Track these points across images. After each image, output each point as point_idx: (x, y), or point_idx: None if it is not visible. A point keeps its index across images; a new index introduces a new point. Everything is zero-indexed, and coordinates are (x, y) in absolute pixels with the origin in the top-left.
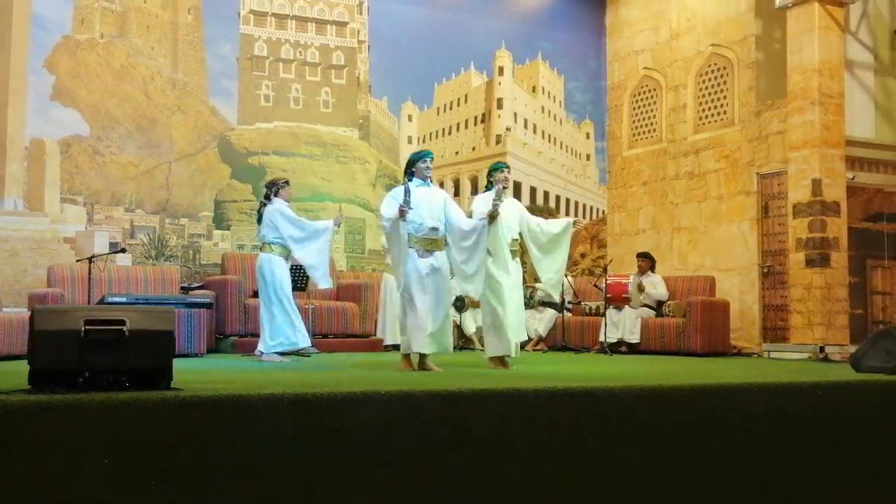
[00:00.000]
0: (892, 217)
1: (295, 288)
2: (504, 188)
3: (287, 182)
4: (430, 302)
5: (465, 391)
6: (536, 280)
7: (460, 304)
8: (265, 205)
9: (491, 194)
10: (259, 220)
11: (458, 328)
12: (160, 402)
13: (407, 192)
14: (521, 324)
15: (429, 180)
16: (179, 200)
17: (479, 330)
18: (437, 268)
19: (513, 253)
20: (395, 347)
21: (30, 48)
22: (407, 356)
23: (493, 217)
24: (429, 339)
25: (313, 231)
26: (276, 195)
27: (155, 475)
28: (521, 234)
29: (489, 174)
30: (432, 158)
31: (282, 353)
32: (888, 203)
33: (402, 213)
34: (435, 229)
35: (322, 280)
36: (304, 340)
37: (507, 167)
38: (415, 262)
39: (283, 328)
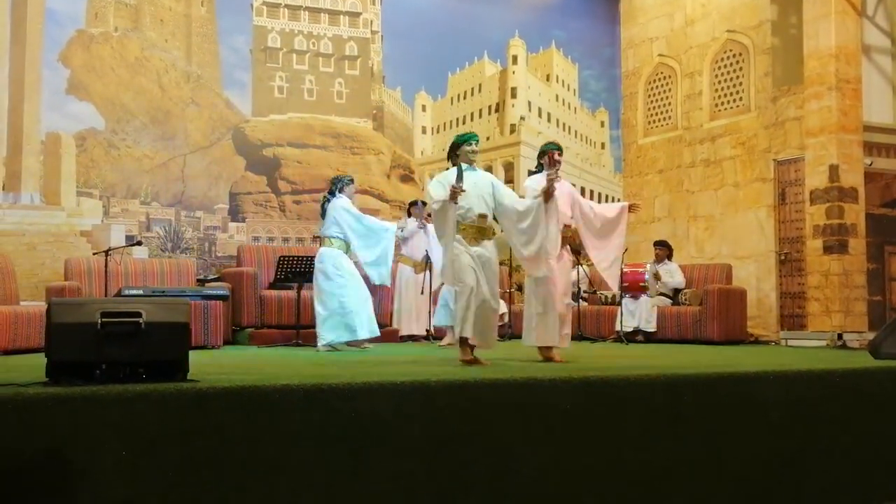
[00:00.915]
0: None
1: (309, 279)
2: (557, 167)
3: (352, 180)
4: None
5: (479, 380)
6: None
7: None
8: (328, 200)
9: (543, 176)
10: (322, 215)
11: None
12: (177, 393)
13: (460, 173)
14: (567, 312)
15: (474, 164)
16: (195, 193)
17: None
18: (488, 258)
19: (562, 239)
20: (411, 338)
21: (44, 43)
22: (464, 345)
23: (549, 194)
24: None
25: (376, 229)
26: (340, 192)
27: (172, 466)
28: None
29: (539, 155)
30: (478, 141)
31: (335, 346)
32: None
33: (454, 195)
34: (483, 216)
35: (378, 277)
36: (359, 333)
37: (559, 148)
38: (464, 249)
39: (344, 311)
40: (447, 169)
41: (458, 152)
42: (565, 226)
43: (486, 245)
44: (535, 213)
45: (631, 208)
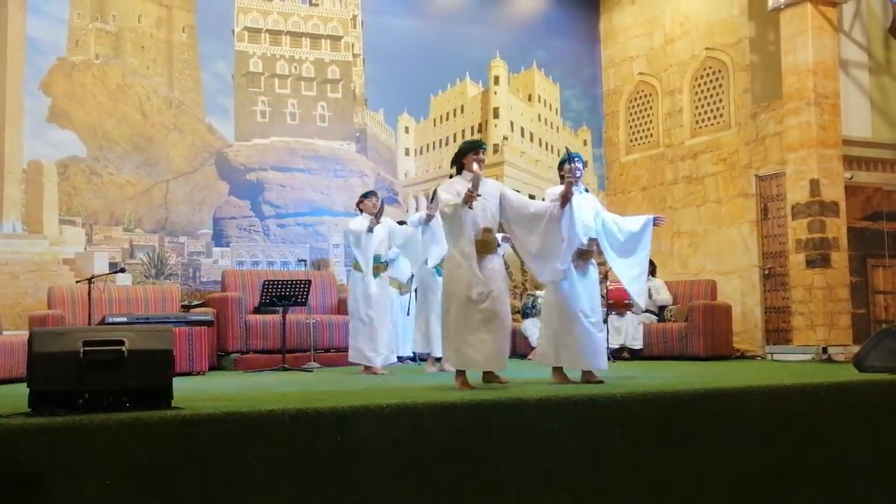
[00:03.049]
0: (892, 215)
1: (294, 303)
2: (578, 177)
3: (367, 194)
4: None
5: (465, 402)
6: (537, 287)
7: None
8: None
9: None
10: None
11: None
12: (161, 421)
13: (476, 181)
14: (598, 331)
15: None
16: (178, 218)
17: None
18: (496, 270)
19: (587, 254)
20: (398, 359)
21: (25, 71)
22: (462, 373)
23: (565, 199)
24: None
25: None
26: (358, 209)
27: (157, 495)
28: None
29: (559, 166)
30: (485, 149)
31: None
32: (887, 201)
33: (468, 199)
34: (488, 230)
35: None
36: (379, 360)
37: (580, 157)
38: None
39: (361, 345)
40: (450, 176)
41: (462, 160)
42: (591, 240)
43: (490, 258)
44: (549, 215)
45: (656, 221)
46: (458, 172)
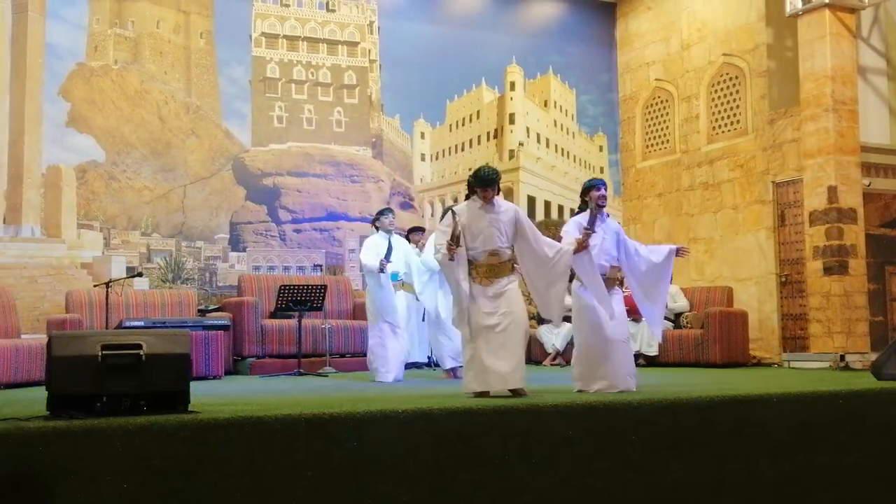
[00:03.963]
0: None
1: (310, 308)
2: (601, 206)
3: (382, 211)
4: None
5: (481, 408)
6: None
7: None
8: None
9: (583, 218)
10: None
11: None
12: (178, 425)
13: (455, 235)
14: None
15: (494, 200)
16: (195, 223)
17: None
18: (502, 292)
19: (610, 281)
20: (414, 365)
21: (44, 76)
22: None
23: (581, 247)
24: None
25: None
26: (375, 226)
27: (174, 498)
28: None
29: (583, 193)
30: (494, 179)
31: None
32: None
33: (450, 251)
34: (495, 253)
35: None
36: (385, 375)
37: (605, 184)
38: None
39: (374, 352)
40: (466, 196)
41: (475, 188)
42: (612, 267)
43: (503, 282)
44: (557, 259)
45: (679, 252)
46: (468, 196)
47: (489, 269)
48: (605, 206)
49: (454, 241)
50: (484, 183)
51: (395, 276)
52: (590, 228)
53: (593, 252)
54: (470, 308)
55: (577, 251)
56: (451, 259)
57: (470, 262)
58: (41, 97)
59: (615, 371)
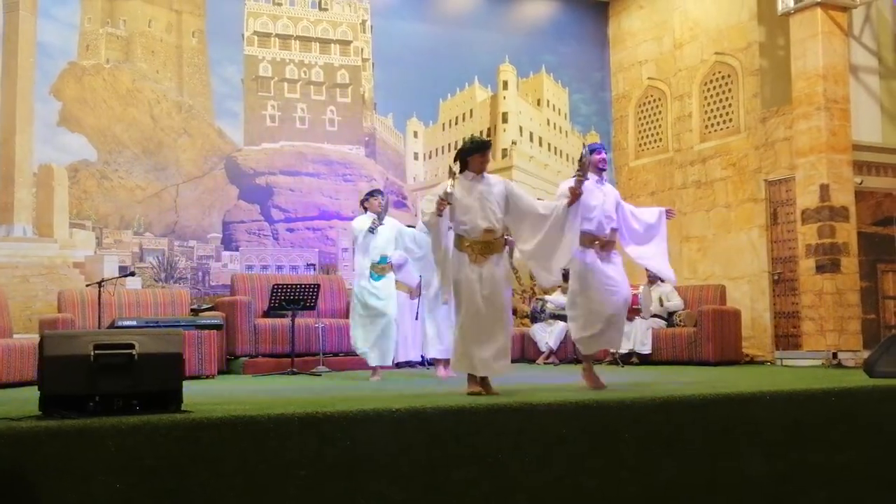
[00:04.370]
0: None
1: (303, 307)
2: (602, 170)
3: (372, 193)
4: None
5: (474, 406)
6: (545, 292)
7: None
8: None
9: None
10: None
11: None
12: (171, 424)
13: (447, 190)
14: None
15: (484, 174)
16: (188, 222)
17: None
18: (491, 275)
19: (610, 244)
20: (407, 364)
21: (36, 75)
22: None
23: (574, 196)
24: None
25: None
26: (363, 208)
27: (167, 498)
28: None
29: (579, 162)
30: (488, 148)
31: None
32: None
33: (440, 206)
34: (490, 230)
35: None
36: (372, 359)
37: (604, 148)
38: (466, 268)
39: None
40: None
41: (468, 159)
42: (613, 230)
43: (494, 260)
44: (554, 215)
45: (668, 214)
46: (461, 171)
47: (484, 245)
48: (605, 170)
49: (446, 197)
50: (482, 146)
51: (383, 259)
52: (581, 174)
53: (593, 214)
54: (460, 280)
55: (571, 202)
56: (440, 214)
57: (462, 239)
58: (32, 96)
59: (617, 335)
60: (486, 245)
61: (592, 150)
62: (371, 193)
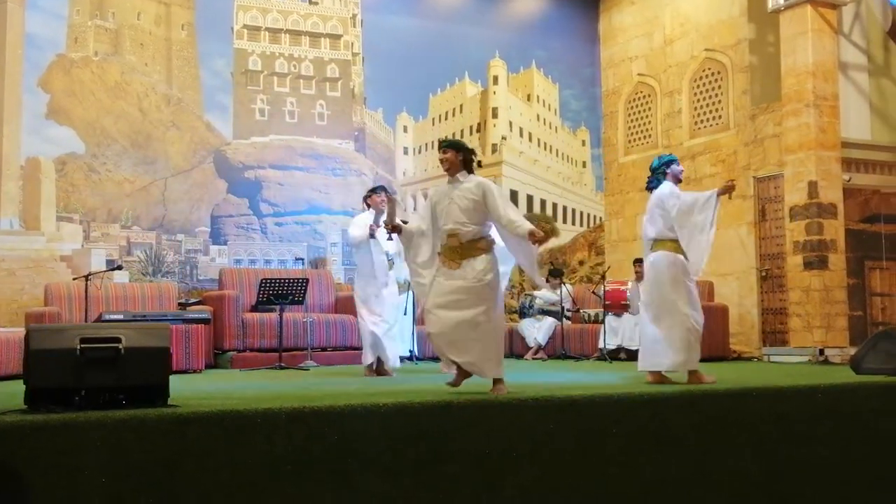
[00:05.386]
0: (890, 218)
1: (292, 301)
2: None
3: (374, 189)
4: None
5: (462, 401)
6: (534, 288)
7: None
8: None
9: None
10: None
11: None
12: (157, 419)
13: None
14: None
15: (458, 176)
16: (176, 216)
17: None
18: (460, 280)
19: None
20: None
21: (24, 67)
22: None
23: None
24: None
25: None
26: (363, 203)
27: (153, 493)
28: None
29: (661, 168)
30: (445, 149)
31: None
32: (885, 204)
33: (371, 233)
34: (454, 234)
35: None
36: (365, 357)
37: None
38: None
39: (364, 342)
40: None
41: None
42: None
43: (471, 263)
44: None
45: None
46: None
47: (450, 251)
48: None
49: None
50: (439, 146)
51: (386, 255)
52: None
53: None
54: (434, 285)
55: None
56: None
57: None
58: (20, 88)
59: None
60: (453, 250)
61: (672, 160)
62: (374, 189)
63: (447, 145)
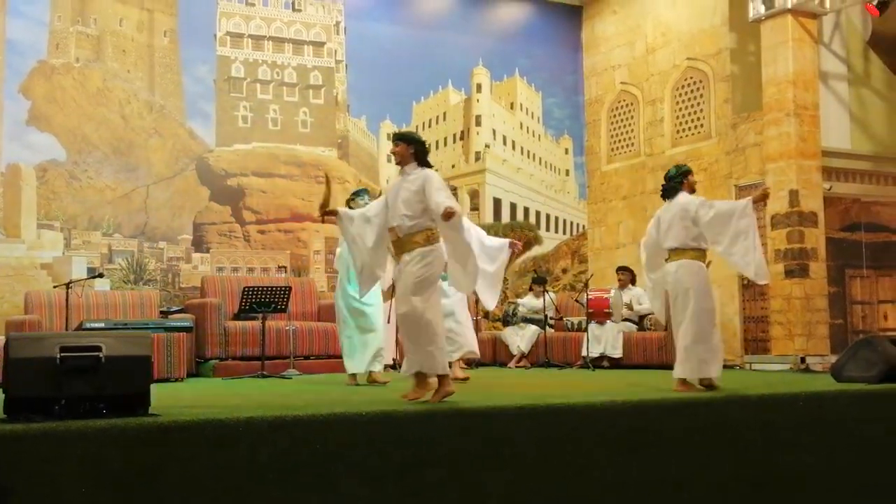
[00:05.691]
0: (870, 227)
1: (274, 309)
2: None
3: (358, 192)
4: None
5: (445, 410)
6: (518, 295)
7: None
8: None
9: None
10: None
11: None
12: (138, 428)
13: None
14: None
15: (407, 167)
16: (158, 224)
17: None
18: (400, 272)
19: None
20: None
21: (5, 74)
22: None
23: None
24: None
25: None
26: (347, 206)
27: (134, 503)
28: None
29: (676, 178)
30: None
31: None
32: (865, 213)
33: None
34: (392, 228)
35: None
36: (351, 366)
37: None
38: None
39: (345, 353)
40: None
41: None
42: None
43: (406, 259)
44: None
45: (761, 196)
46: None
47: (393, 245)
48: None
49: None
50: (391, 140)
51: None
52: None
53: (661, 231)
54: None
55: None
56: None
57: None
58: (1, 94)
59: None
60: (395, 244)
61: (689, 171)
62: (356, 193)
63: (398, 138)
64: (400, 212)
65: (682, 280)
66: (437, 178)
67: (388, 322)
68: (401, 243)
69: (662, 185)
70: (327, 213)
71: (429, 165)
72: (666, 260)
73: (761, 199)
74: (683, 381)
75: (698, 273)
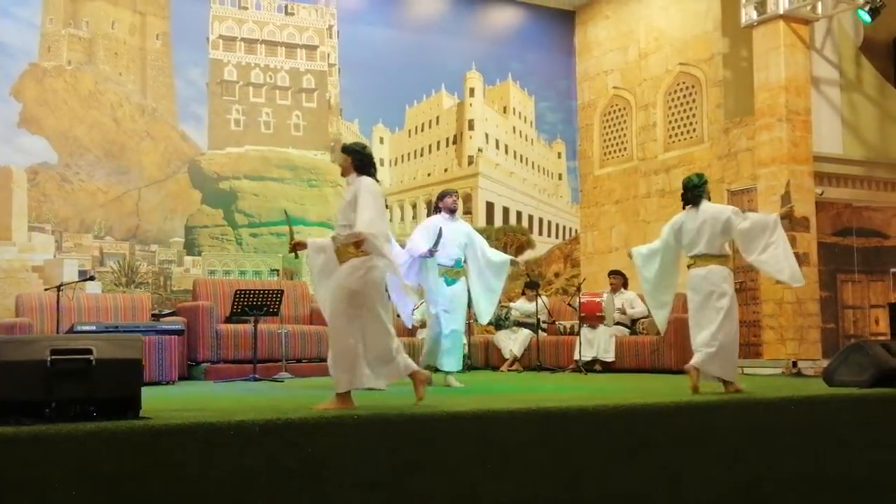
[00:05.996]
0: (861, 231)
1: (266, 313)
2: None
3: (444, 193)
4: None
5: (438, 413)
6: (510, 299)
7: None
8: None
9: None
10: None
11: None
12: (128, 431)
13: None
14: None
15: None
16: (149, 227)
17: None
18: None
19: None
20: None
21: None
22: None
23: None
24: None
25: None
26: (435, 209)
27: None
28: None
29: (696, 188)
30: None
31: None
32: (857, 217)
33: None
34: (334, 237)
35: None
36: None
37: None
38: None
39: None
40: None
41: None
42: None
43: (341, 268)
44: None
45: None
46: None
47: (335, 253)
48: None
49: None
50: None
51: (458, 263)
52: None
53: (686, 238)
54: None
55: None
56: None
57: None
58: None
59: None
60: (336, 252)
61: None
62: (444, 193)
63: (342, 149)
64: (338, 222)
65: (717, 283)
66: (369, 190)
67: None
68: (338, 252)
69: (684, 194)
70: (296, 246)
71: (369, 174)
72: (689, 266)
73: (786, 217)
74: (729, 383)
75: (728, 278)
